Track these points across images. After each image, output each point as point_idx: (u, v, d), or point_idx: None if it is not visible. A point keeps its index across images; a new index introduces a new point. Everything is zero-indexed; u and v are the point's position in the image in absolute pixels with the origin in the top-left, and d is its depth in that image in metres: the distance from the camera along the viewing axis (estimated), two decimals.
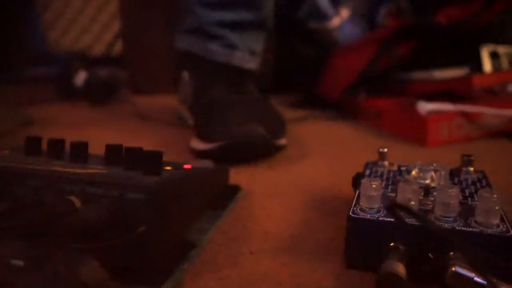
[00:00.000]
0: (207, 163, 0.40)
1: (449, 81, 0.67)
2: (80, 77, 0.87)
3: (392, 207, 0.26)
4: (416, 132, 0.60)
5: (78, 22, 1.37)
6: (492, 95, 0.66)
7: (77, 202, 0.27)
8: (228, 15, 0.58)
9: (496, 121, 0.60)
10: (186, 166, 0.38)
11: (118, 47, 1.14)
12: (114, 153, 0.34)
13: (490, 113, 0.58)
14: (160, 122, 0.72)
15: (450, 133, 0.59)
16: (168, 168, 0.35)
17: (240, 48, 0.60)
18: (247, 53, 0.61)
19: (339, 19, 0.84)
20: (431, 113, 0.59)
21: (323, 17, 0.85)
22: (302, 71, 0.89)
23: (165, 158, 0.32)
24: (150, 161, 0.31)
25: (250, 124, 0.48)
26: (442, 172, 0.33)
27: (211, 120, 0.51)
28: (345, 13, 0.84)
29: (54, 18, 1.34)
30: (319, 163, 0.53)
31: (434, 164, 0.34)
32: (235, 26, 0.59)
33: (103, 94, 0.87)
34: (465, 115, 0.59)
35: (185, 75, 0.62)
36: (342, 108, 0.77)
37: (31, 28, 1.25)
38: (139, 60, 0.99)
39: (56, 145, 0.35)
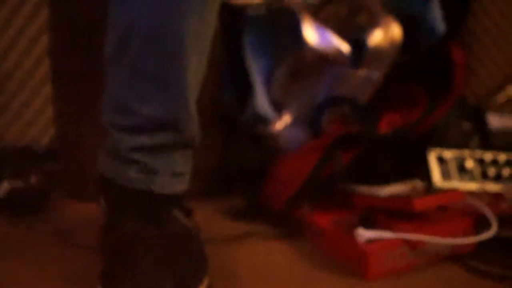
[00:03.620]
0: None
1: (392, 200, 0.62)
2: (2, 187, 0.80)
3: None
4: (356, 262, 0.54)
5: (24, 115, 1.31)
6: (437, 212, 0.62)
7: None
8: (146, 140, 0.53)
9: (441, 247, 0.56)
10: None
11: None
12: None
13: (434, 241, 0.54)
14: (83, 246, 0.64)
15: (393, 263, 0.54)
16: None
17: (161, 172, 0.55)
18: (170, 177, 0.55)
19: (282, 123, 0.81)
20: (371, 241, 0.54)
21: (265, 121, 0.81)
22: (246, 175, 0.84)
23: None
24: None
25: (156, 277, 0.42)
26: None
27: (114, 269, 0.45)
28: (287, 117, 0.81)
29: None
30: None
31: None
32: (154, 150, 0.54)
33: (28, 208, 0.79)
34: (408, 242, 0.54)
35: (102, 201, 0.56)
36: (286, 221, 0.71)
37: None
38: (77, 163, 0.93)
39: None
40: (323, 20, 0.88)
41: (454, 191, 0.67)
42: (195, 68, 0.53)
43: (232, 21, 0.87)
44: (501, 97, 1.09)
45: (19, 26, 1.15)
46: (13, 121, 1.30)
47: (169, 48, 0.50)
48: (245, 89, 0.86)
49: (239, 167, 0.87)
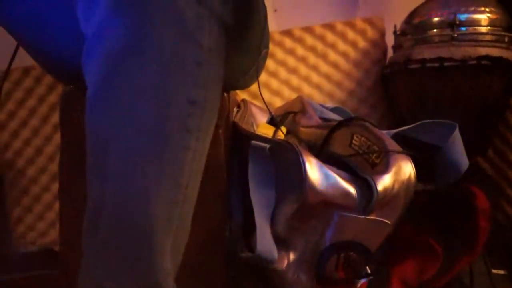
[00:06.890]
0: None
1: None
2: None
3: None
4: None
5: (46, 217, 1.33)
6: None
7: None
8: None
9: None
10: None
11: None
12: None
13: None
14: None
15: None
16: None
17: None
18: None
19: (286, 261, 0.75)
20: None
21: (269, 260, 0.76)
22: None
23: None
24: None
25: None
26: None
27: None
28: (291, 256, 0.75)
29: (23, 213, 1.31)
30: None
31: None
32: None
33: None
34: None
35: None
36: None
37: None
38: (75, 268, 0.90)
39: None
40: (333, 142, 0.85)
41: None
42: (170, 246, 0.50)
43: (241, 147, 0.85)
44: None
45: (39, 144, 1.21)
46: (35, 222, 1.32)
47: (137, 233, 0.47)
48: (251, 220, 0.81)
49: None
